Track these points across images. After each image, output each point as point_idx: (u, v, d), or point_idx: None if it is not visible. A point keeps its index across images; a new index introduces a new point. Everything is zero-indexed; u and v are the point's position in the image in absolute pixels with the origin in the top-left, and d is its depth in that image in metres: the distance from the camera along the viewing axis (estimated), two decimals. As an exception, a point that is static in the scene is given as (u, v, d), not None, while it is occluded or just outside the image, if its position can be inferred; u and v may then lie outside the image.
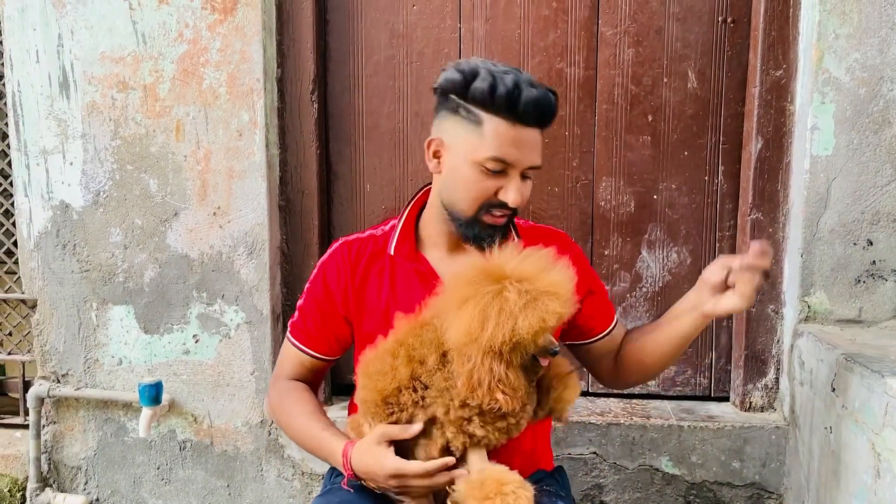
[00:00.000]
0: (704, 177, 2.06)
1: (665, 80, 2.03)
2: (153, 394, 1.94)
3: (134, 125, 2.00)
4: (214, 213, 2.01)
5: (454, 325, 1.11)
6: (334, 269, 1.41)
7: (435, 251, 1.39)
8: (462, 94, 1.25)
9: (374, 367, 1.21)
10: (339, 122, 2.13)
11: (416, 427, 1.18)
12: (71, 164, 2.02)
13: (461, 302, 1.12)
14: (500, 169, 1.25)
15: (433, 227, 1.39)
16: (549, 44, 2.05)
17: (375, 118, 2.12)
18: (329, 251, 1.44)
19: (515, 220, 1.44)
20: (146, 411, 1.96)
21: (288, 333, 1.47)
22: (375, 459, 1.19)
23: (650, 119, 2.05)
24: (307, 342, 1.44)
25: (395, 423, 1.20)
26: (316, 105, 2.05)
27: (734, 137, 2.04)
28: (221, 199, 2.00)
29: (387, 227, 1.44)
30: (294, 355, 1.46)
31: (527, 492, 1.13)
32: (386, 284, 1.38)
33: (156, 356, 2.07)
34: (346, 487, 1.32)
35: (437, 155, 1.32)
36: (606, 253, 2.11)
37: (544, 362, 1.17)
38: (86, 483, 2.14)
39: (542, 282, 1.11)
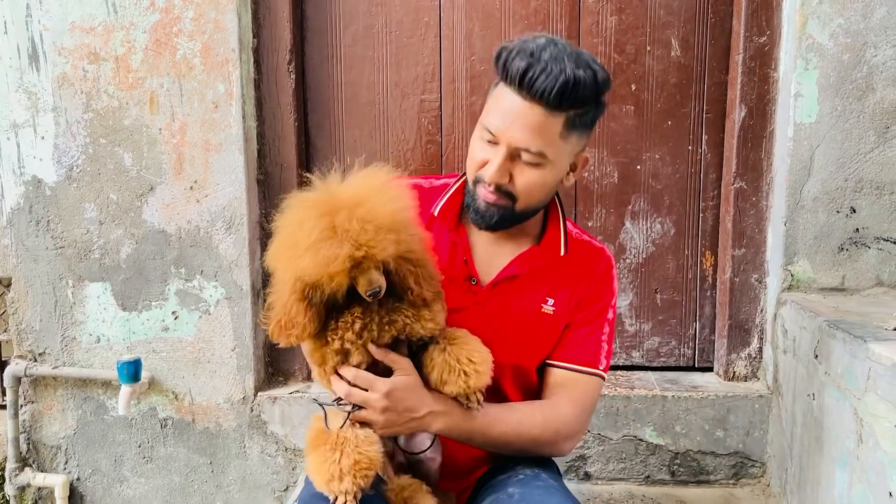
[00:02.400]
0: (688, 146, 2.05)
1: (648, 48, 2.01)
2: (132, 371, 1.92)
3: (106, 97, 1.94)
4: (191, 188, 1.96)
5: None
6: None
7: (475, 228, 1.32)
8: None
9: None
10: (317, 94, 2.09)
11: None
12: (42, 138, 1.97)
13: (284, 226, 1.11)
14: (490, 139, 1.20)
15: None
16: (530, 12, 2.01)
17: (354, 89, 2.08)
18: None
19: (569, 223, 1.37)
20: (125, 389, 1.93)
21: None
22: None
23: (633, 88, 2.02)
24: None
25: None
26: (293, 76, 2.01)
27: (718, 106, 2.01)
28: (198, 172, 1.95)
29: (437, 182, 1.40)
30: None
31: (371, 453, 1.10)
32: None
33: (134, 333, 2.04)
34: None
35: None
36: (590, 224, 2.09)
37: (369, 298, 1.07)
38: (66, 462, 2.11)
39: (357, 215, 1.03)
